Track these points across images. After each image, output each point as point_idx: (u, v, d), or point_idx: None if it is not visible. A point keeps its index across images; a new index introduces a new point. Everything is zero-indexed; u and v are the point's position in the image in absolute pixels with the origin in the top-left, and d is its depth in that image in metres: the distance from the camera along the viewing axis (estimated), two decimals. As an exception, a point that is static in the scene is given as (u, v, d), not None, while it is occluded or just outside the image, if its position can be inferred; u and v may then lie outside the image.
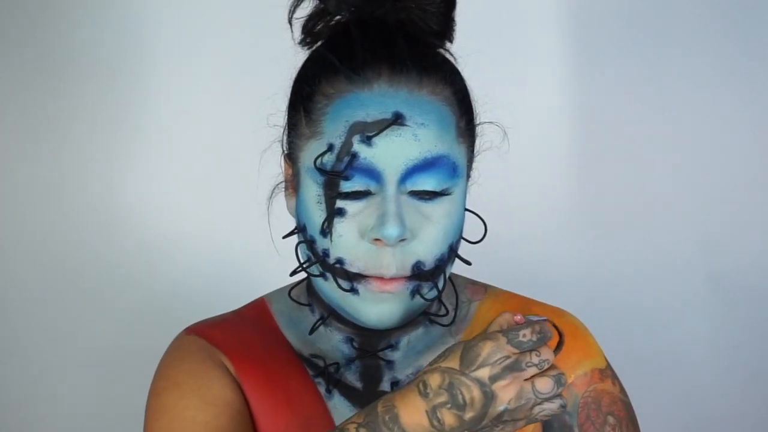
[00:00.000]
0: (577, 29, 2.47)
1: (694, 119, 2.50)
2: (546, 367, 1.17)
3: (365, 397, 1.35)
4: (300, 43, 1.37)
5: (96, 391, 2.45)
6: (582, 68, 2.48)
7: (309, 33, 1.36)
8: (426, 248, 1.28)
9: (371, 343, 1.36)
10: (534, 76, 2.48)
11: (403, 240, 1.27)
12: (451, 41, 1.36)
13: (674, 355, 2.49)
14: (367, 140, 1.27)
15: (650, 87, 2.49)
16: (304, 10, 1.36)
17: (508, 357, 1.16)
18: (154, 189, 2.46)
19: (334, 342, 1.38)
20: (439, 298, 1.34)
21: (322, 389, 1.36)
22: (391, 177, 1.27)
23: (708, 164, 2.50)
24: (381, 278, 1.28)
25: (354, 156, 1.27)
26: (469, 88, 1.34)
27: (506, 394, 1.16)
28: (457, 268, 1.36)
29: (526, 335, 1.17)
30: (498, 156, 1.40)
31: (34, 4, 2.42)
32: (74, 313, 2.45)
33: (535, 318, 1.21)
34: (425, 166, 1.27)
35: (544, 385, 1.17)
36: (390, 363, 1.36)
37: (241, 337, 1.39)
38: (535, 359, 1.17)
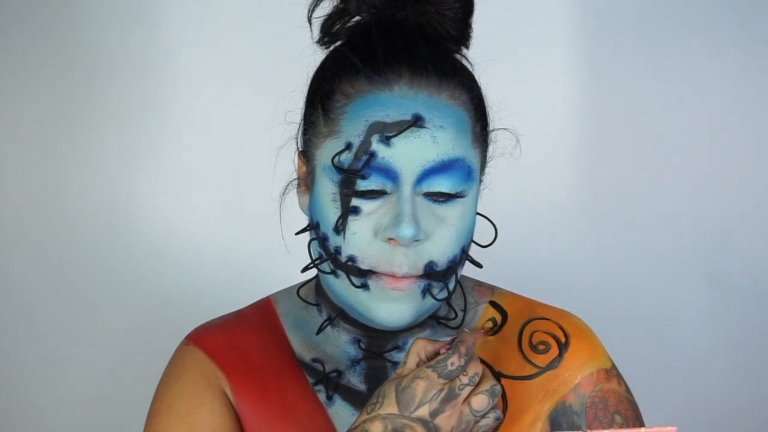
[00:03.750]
0: (589, 37, 2.48)
1: (696, 122, 2.52)
2: (477, 380, 1.22)
3: (369, 399, 1.35)
4: (318, 42, 1.37)
5: (101, 394, 2.42)
6: (592, 76, 2.50)
7: (327, 32, 1.36)
8: (439, 249, 1.29)
9: (378, 345, 1.37)
10: (544, 83, 2.49)
11: (417, 240, 1.28)
12: (467, 47, 1.38)
13: (675, 355, 2.50)
14: (386, 140, 1.27)
15: (658, 95, 2.51)
16: (323, 10, 1.37)
17: (442, 389, 1.20)
18: (162, 187, 2.44)
19: (340, 343, 1.38)
20: (448, 301, 1.34)
21: (322, 396, 1.36)
22: (408, 177, 1.28)
23: (709, 166, 2.52)
24: (393, 276, 1.28)
25: (372, 155, 1.27)
26: (484, 94, 1.36)
27: (448, 423, 1.20)
28: (466, 270, 1.37)
29: (454, 363, 1.21)
30: (508, 161, 1.41)
31: (39, 5, 2.40)
32: (80, 315, 2.43)
33: (455, 338, 1.24)
34: (442, 168, 1.28)
35: (480, 403, 1.22)
36: (396, 365, 1.36)
37: (240, 345, 1.39)
38: (465, 380, 1.21)
